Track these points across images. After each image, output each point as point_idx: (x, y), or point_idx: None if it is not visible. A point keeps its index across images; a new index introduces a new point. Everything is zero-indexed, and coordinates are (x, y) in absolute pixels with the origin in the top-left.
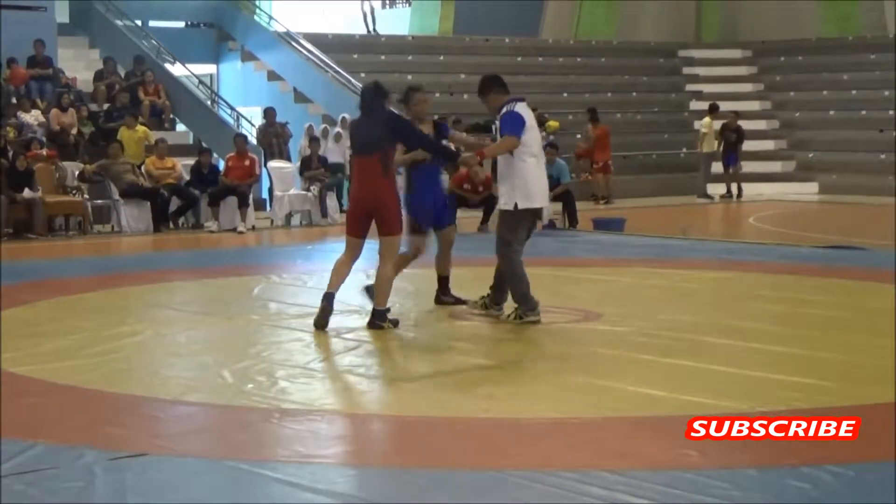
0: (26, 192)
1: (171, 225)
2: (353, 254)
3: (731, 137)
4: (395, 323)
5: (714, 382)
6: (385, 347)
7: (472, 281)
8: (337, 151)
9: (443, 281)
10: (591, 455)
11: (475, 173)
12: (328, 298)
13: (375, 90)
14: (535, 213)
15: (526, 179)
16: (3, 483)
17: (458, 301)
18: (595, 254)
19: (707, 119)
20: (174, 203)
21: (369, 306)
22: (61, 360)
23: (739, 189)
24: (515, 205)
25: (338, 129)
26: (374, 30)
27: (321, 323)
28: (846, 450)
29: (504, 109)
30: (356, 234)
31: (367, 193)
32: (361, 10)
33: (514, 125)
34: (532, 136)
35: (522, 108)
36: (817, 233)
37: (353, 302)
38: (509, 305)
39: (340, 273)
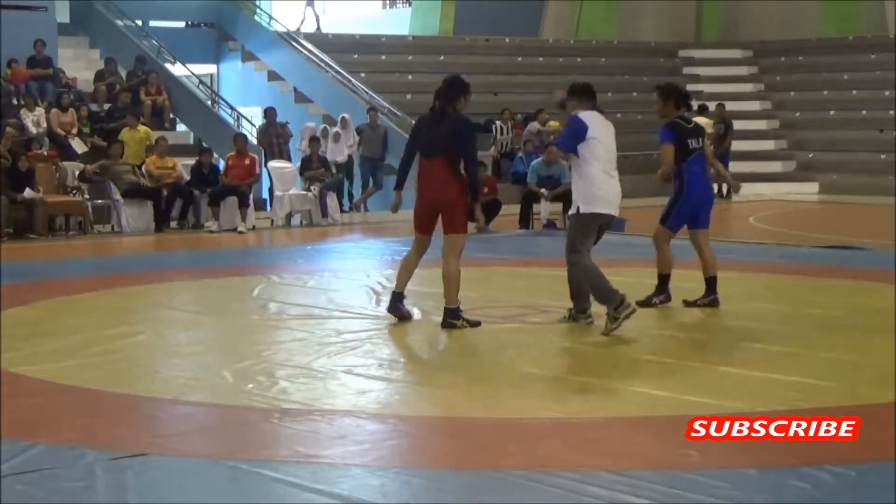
0: (27, 192)
1: (175, 225)
2: (420, 250)
3: (721, 130)
4: (472, 322)
5: (714, 382)
6: (385, 348)
7: (474, 282)
8: (336, 151)
9: (709, 281)
10: (591, 455)
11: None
12: (397, 299)
13: (447, 91)
14: (601, 219)
15: (588, 184)
16: (3, 483)
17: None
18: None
19: (704, 119)
20: (175, 205)
21: (369, 309)
22: (61, 360)
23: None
24: (578, 208)
25: (337, 128)
26: (318, 28)
27: (398, 317)
28: (846, 450)
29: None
30: (424, 231)
31: (437, 196)
32: (313, 10)
33: (568, 135)
34: (598, 144)
35: (588, 115)
36: (817, 233)
37: (353, 303)
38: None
39: (407, 269)
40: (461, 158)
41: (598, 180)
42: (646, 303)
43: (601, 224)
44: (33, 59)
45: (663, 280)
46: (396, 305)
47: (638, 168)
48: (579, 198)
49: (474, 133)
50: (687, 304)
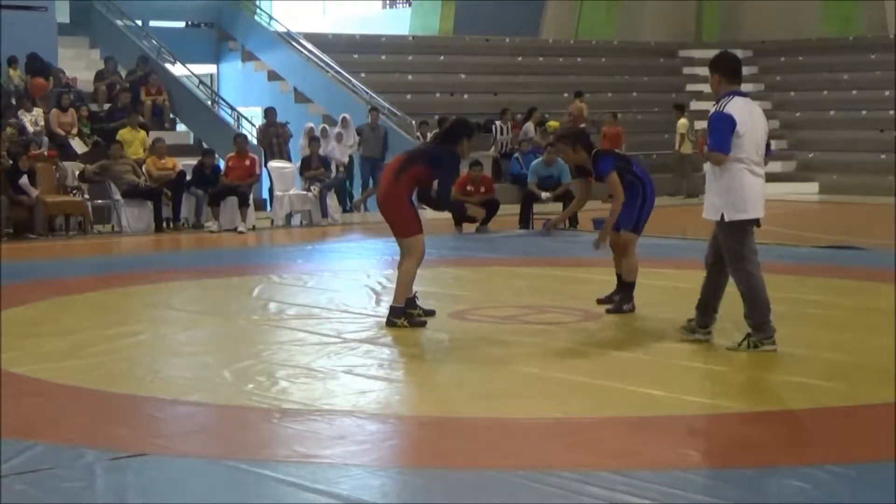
0: (23, 180)
1: (173, 225)
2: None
3: None
4: (416, 322)
5: (714, 382)
6: (385, 348)
7: (474, 282)
8: (339, 151)
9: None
10: (591, 455)
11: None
12: (407, 304)
13: (447, 133)
14: (751, 223)
15: (730, 187)
16: (3, 483)
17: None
18: (595, 254)
19: (683, 119)
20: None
21: (369, 309)
22: (61, 360)
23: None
24: (723, 216)
25: (339, 129)
26: None
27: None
28: (846, 450)
29: (716, 105)
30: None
31: (379, 193)
32: None
33: (721, 133)
34: (743, 141)
35: (737, 106)
36: (817, 233)
37: (353, 303)
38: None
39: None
40: (415, 170)
41: (742, 181)
42: (615, 310)
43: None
44: (32, 65)
45: (630, 287)
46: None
47: None
48: (723, 203)
49: (453, 161)
50: (600, 301)
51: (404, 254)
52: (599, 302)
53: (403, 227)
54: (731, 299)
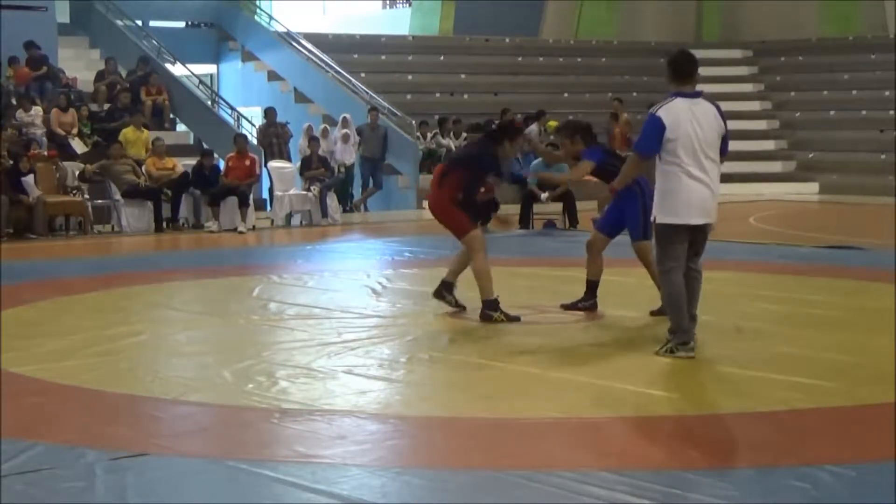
0: (27, 179)
1: (171, 225)
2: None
3: None
4: (510, 317)
5: (714, 382)
6: (385, 348)
7: (474, 282)
8: (345, 151)
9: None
10: (591, 455)
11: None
12: (444, 286)
13: (495, 131)
14: (682, 229)
15: (664, 190)
16: (3, 483)
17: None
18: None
19: None
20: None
21: (369, 309)
22: (61, 360)
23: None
24: (654, 218)
25: (344, 129)
26: None
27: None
28: (846, 450)
29: (652, 108)
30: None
31: (429, 202)
32: None
33: (644, 137)
34: (676, 145)
35: (671, 108)
36: (817, 233)
37: (353, 303)
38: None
39: (454, 262)
40: (455, 175)
41: (677, 184)
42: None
43: (695, 232)
44: (28, 60)
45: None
46: (441, 292)
47: None
48: (655, 205)
49: (492, 160)
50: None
51: (469, 252)
52: (564, 308)
53: (457, 227)
54: (729, 300)
